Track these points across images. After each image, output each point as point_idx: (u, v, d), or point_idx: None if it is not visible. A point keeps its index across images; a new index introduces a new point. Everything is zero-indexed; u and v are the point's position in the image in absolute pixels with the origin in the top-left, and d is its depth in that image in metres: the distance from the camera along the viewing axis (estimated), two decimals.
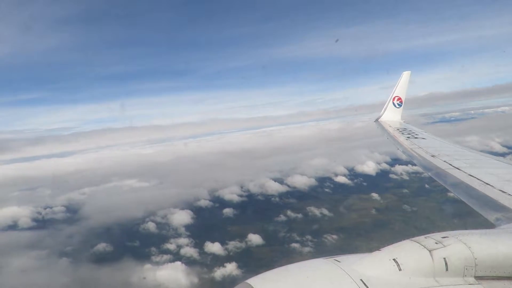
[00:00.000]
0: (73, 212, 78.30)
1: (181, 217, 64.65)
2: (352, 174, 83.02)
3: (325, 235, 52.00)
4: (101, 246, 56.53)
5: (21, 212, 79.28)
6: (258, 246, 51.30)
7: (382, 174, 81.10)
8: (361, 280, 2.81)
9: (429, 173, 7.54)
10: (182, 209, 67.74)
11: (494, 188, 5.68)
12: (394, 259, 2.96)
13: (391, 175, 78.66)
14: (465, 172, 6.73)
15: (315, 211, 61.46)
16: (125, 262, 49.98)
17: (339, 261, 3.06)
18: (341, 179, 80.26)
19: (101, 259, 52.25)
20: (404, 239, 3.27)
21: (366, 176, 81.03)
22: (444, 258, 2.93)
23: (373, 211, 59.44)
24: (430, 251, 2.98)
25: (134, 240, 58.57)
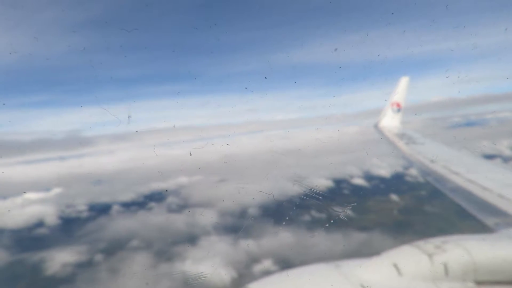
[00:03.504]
0: (139, 206, 78.30)
1: (210, 215, 65.47)
2: (368, 176, 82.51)
3: (353, 235, 52.03)
4: (150, 241, 57.42)
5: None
6: (289, 244, 51.48)
7: (398, 177, 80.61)
8: (361, 285, 2.82)
9: (429, 178, 7.57)
10: (212, 207, 68.41)
11: (493, 193, 5.70)
12: (394, 264, 2.98)
13: (406, 178, 78.38)
14: (464, 177, 6.75)
15: (338, 211, 61.12)
16: (161, 257, 50.86)
17: (339, 266, 3.07)
18: (358, 181, 79.77)
19: (144, 253, 53.02)
20: (430, 238, 3.29)
21: (381, 179, 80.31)
22: (444, 263, 2.94)
23: (395, 212, 59.26)
24: (429, 256, 2.99)
25: (167, 236, 59.19)
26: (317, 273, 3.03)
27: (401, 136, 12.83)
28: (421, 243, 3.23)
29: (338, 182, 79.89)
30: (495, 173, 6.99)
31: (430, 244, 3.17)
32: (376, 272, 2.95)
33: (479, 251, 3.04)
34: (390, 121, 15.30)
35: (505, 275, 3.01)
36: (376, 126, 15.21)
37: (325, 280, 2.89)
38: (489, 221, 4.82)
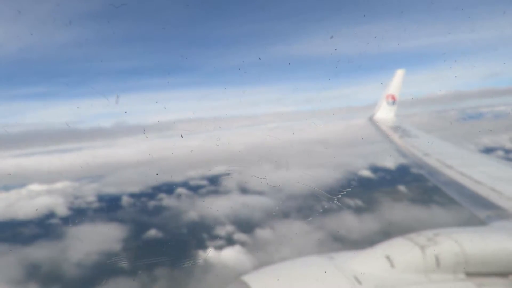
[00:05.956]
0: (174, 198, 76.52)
1: (222, 205, 65.39)
2: (374, 168, 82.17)
3: (366, 225, 52.27)
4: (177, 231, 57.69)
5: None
6: (306, 233, 51.46)
7: (403, 168, 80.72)
8: (354, 276, 2.85)
9: (422, 172, 7.63)
10: (223, 195, 68.11)
11: (485, 186, 5.77)
12: (386, 256, 3.02)
13: (412, 169, 77.78)
14: (457, 170, 6.82)
15: (349, 202, 61.19)
16: (180, 248, 51.29)
17: (333, 258, 3.11)
18: (365, 173, 79.24)
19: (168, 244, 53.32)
20: (423, 230, 3.34)
21: (387, 171, 79.66)
22: (435, 255, 2.99)
23: (406, 202, 59.36)
24: (421, 248, 3.03)
25: (183, 227, 59.39)
26: (310, 264, 3.05)
27: (396, 129, 12.88)
28: (413, 235, 3.27)
29: (344, 174, 79.68)
30: (488, 166, 7.07)
31: (422, 236, 3.21)
32: (369, 264, 2.99)
33: (470, 244, 3.09)
34: (384, 114, 15.32)
35: (495, 267, 3.06)
36: (370, 119, 15.24)
37: (318, 271, 2.92)
38: (481, 214, 4.88)
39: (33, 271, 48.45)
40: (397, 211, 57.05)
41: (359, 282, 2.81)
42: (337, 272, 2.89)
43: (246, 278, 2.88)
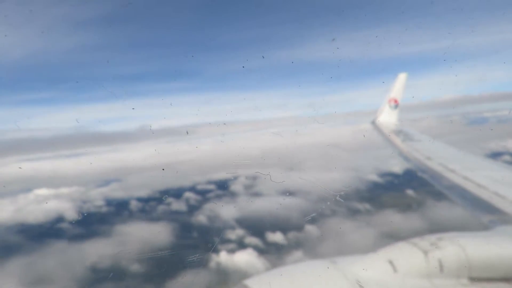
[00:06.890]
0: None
1: (228, 211, 65.83)
2: (380, 173, 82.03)
3: (376, 229, 52.06)
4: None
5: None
6: (317, 237, 50.96)
7: (409, 173, 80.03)
8: (356, 281, 2.85)
9: (425, 176, 7.60)
10: (227, 202, 68.38)
11: (488, 190, 5.74)
12: (389, 261, 3.01)
13: (418, 173, 77.22)
14: (460, 175, 6.78)
15: (357, 206, 61.18)
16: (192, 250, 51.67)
17: (335, 262, 3.10)
18: (372, 177, 79.51)
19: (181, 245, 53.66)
20: (426, 235, 3.33)
21: (394, 175, 79.95)
22: (439, 260, 2.97)
23: (414, 206, 59.25)
24: (425, 252, 3.02)
25: (192, 231, 59.16)
26: (313, 269, 3.05)
27: (398, 132, 12.86)
28: (416, 240, 3.26)
29: (351, 178, 79.09)
30: (491, 171, 7.04)
31: (425, 241, 3.20)
32: (372, 269, 2.98)
33: (473, 248, 3.07)
34: (387, 118, 15.30)
35: (498, 271, 3.05)
36: (373, 122, 15.22)
37: (321, 276, 2.92)
38: (484, 218, 4.86)
39: (50, 273, 48.78)
40: (403, 215, 56.73)
41: (361, 286, 2.81)
42: (339, 276, 2.89)
43: (249, 282, 2.88)
